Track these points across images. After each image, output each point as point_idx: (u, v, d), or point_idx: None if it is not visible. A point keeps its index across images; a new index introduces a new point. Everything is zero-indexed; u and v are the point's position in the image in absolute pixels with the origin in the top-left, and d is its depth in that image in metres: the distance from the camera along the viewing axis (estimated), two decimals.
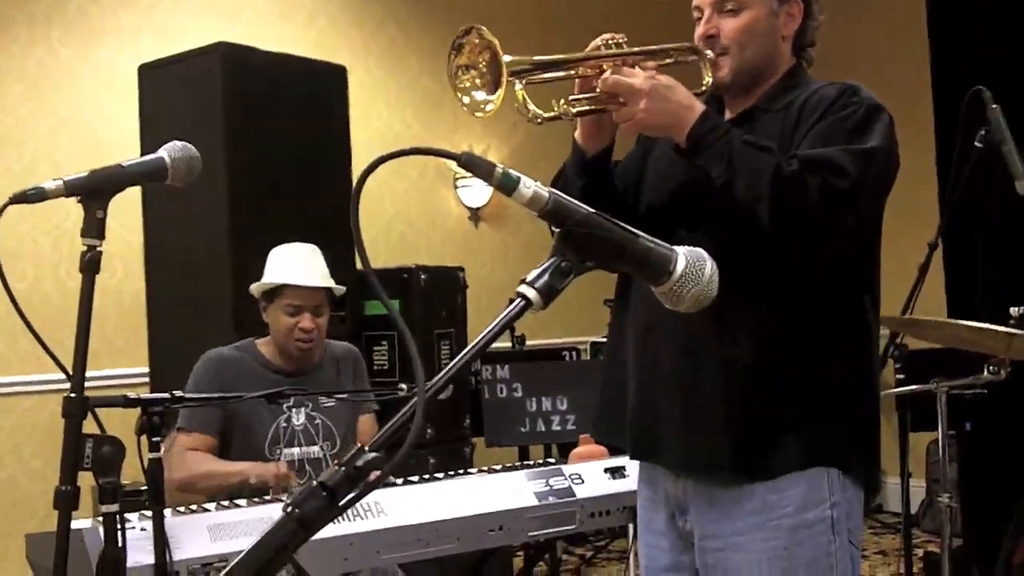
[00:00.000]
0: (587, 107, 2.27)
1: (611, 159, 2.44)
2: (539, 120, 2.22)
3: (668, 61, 2.35)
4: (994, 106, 3.72)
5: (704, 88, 2.38)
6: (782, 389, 2.25)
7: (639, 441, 2.44)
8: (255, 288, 3.75)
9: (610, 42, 2.27)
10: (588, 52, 2.27)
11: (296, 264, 3.72)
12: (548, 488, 3.26)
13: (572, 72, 2.26)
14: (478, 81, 2.13)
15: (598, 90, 2.23)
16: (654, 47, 2.33)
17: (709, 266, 1.49)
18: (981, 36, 4.95)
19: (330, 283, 3.76)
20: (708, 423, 2.29)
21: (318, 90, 5.21)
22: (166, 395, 2.69)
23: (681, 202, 2.36)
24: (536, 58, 2.19)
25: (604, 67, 2.24)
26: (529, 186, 1.42)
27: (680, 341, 2.31)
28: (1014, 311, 3.43)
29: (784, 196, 2.11)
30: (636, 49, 2.29)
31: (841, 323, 2.32)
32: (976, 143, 3.77)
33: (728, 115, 2.43)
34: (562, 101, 2.24)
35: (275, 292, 3.70)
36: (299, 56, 5.44)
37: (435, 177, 7.09)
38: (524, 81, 2.17)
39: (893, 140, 2.27)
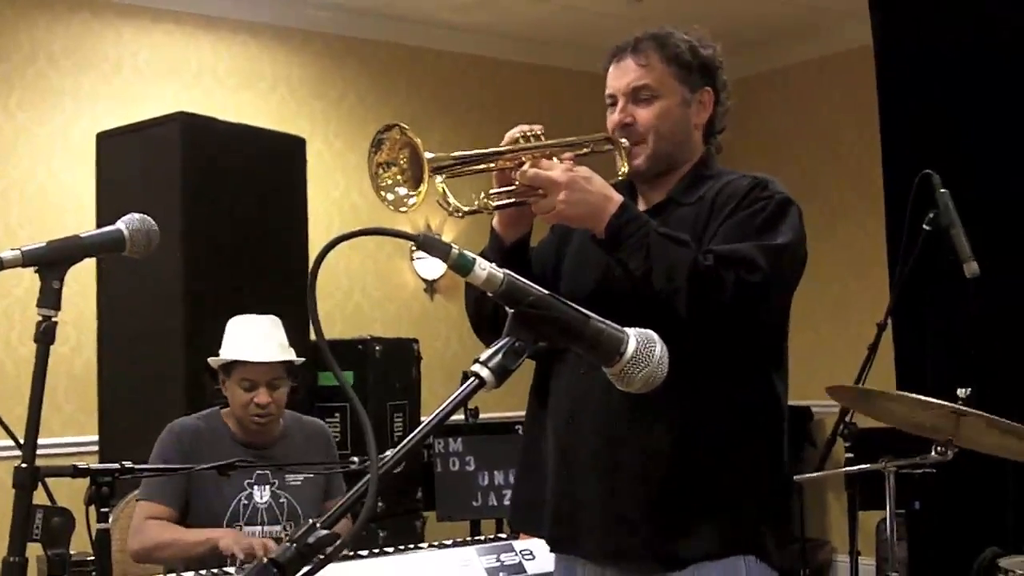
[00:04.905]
0: (507, 200, 2.31)
1: (529, 246, 2.49)
2: (460, 214, 2.27)
3: (584, 151, 2.40)
4: (943, 190, 3.79)
5: (620, 177, 2.43)
6: (700, 474, 2.29)
7: (559, 531, 2.45)
8: (212, 362, 3.69)
9: (528, 134, 2.32)
10: (506, 145, 2.31)
11: (251, 338, 3.66)
12: (499, 564, 3.25)
13: (492, 165, 2.30)
14: (399, 177, 2.16)
15: (517, 183, 2.28)
16: (571, 139, 2.39)
17: (659, 348, 1.52)
18: (931, 121, 5.05)
19: (286, 355, 3.67)
20: (628, 511, 2.31)
21: (276, 161, 5.21)
22: (116, 465, 2.67)
23: (600, 291, 2.39)
24: (456, 153, 2.23)
25: (523, 159, 2.29)
26: (484, 268, 1.45)
27: (601, 429, 2.34)
28: (961, 392, 3.47)
29: (700, 289, 2.17)
30: (553, 141, 2.34)
31: (753, 401, 2.37)
32: (925, 226, 3.83)
33: (642, 205, 2.48)
34: (482, 195, 2.29)
35: (230, 367, 3.64)
36: (258, 127, 5.47)
37: (391, 249, 7.08)
38: (445, 175, 2.21)
39: (802, 233, 2.35)
